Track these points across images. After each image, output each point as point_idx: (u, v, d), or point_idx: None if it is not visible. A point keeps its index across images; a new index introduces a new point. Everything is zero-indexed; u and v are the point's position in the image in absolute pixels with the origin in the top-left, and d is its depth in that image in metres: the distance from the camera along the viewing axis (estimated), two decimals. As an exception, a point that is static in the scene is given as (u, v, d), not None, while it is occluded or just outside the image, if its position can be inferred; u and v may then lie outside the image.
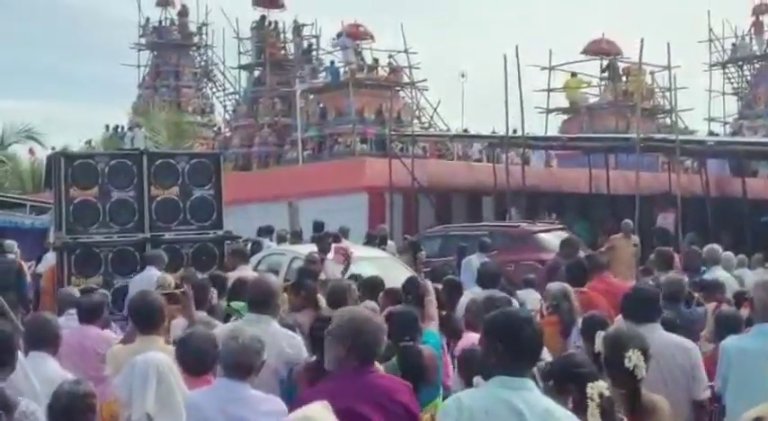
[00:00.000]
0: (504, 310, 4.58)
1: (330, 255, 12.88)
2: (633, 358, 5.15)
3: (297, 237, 18.59)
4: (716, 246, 12.56)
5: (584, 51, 37.13)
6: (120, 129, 41.19)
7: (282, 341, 6.42)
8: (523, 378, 4.07)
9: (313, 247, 13.56)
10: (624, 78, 36.25)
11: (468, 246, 16.67)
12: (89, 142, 40.86)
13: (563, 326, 8.21)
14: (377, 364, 5.03)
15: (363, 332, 4.77)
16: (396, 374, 5.44)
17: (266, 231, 18.75)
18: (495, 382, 4.08)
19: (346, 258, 12.61)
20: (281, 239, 18.11)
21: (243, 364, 5.03)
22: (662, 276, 10.23)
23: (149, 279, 10.51)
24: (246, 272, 11.13)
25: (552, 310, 8.50)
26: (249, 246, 15.47)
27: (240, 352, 5.01)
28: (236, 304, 7.97)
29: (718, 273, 11.46)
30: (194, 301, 7.58)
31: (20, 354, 5.68)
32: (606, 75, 36.83)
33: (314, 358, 6.07)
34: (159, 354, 5.09)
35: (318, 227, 18.75)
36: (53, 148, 31.05)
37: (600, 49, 37.21)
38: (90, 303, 7.96)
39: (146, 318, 6.51)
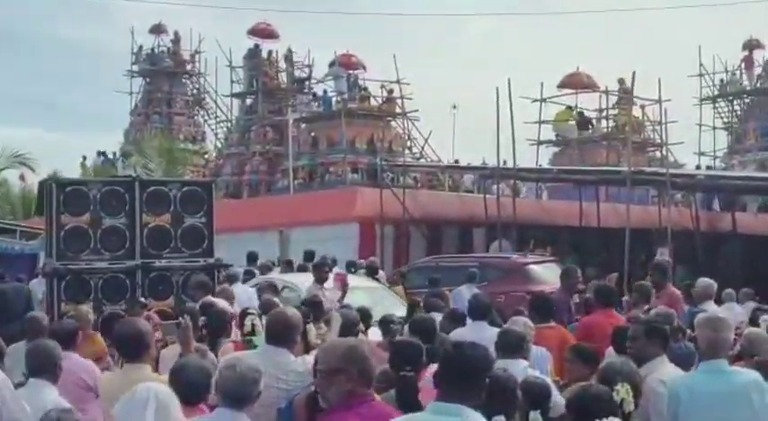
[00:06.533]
0: (447, 343, 4.71)
1: (327, 284, 12.88)
2: (621, 392, 5.16)
3: (289, 266, 18.43)
4: (709, 281, 12.35)
5: (561, 85, 37.29)
6: (114, 156, 41.26)
7: (292, 373, 6.27)
8: (457, 404, 4.15)
9: (302, 276, 13.52)
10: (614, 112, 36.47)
11: (440, 278, 16.65)
12: (84, 159, 40.94)
13: None
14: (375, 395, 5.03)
15: (367, 359, 4.83)
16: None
17: (251, 259, 18.60)
18: (430, 409, 4.25)
19: (344, 285, 12.58)
20: (265, 269, 17.91)
21: (240, 394, 4.99)
22: (652, 310, 10.21)
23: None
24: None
25: None
26: (242, 275, 15.42)
27: (237, 381, 5.00)
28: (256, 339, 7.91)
29: (710, 309, 11.40)
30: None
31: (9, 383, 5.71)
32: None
33: (313, 388, 6.04)
34: (161, 385, 5.10)
35: (309, 256, 18.68)
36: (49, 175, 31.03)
37: (576, 81, 37.43)
38: (65, 330, 7.87)
39: (131, 346, 6.49)
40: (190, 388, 5.27)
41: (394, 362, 6.20)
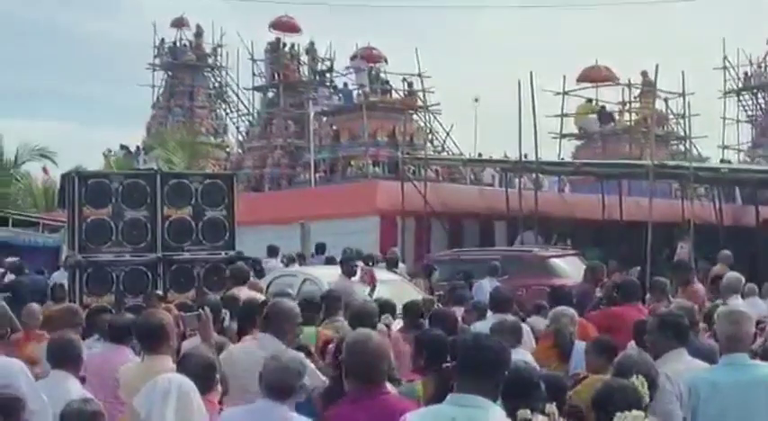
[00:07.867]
0: (465, 334, 4.70)
1: (355, 278, 12.90)
2: (636, 384, 5.15)
3: (302, 259, 18.50)
4: (737, 275, 12.01)
5: (580, 78, 37.07)
6: (136, 149, 41.40)
7: None
8: (474, 395, 4.17)
9: (326, 269, 13.51)
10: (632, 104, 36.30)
11: (472, 271, 16.60)
12: (109, 152, 41.11)
13: (558, 349, 8.15)
14: (390, 387, 5.02)
15: (359, 352, 4.83)
16: (415, 399, 5.41)
17: (273, 252, 18.66)
18: (449, 400, 4.29)
19: (373, 279, 12.58)
20: (289, 261, 18.01)
21: (283, 385, 4.96)
22: (672, 304, 10.11)
23: None
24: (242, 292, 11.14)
25: (546, 334, 8.51)
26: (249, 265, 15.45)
27: (281, 373, 4.97)
28: None
29: (736, 303, 11.22)
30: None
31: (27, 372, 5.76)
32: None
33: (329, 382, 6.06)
34: (182, 376, 5.09)
35: (320, 248, 18.75)
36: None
37: (595, 75, 37.22)
38: (124, 323, 7.56)
39: (150, 338, 6.51)
40: (194, 378, 5.24)
41: (418, 355, 6.22)
